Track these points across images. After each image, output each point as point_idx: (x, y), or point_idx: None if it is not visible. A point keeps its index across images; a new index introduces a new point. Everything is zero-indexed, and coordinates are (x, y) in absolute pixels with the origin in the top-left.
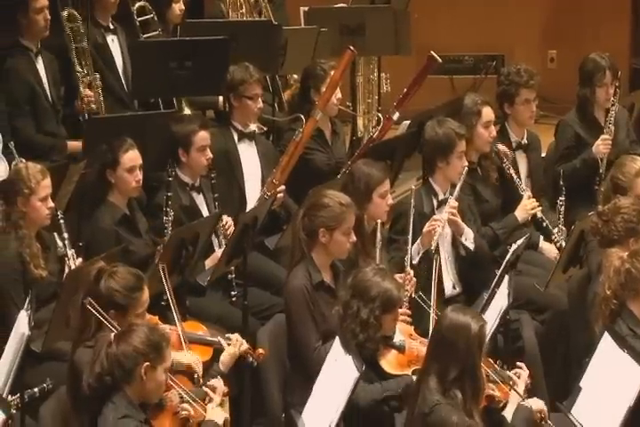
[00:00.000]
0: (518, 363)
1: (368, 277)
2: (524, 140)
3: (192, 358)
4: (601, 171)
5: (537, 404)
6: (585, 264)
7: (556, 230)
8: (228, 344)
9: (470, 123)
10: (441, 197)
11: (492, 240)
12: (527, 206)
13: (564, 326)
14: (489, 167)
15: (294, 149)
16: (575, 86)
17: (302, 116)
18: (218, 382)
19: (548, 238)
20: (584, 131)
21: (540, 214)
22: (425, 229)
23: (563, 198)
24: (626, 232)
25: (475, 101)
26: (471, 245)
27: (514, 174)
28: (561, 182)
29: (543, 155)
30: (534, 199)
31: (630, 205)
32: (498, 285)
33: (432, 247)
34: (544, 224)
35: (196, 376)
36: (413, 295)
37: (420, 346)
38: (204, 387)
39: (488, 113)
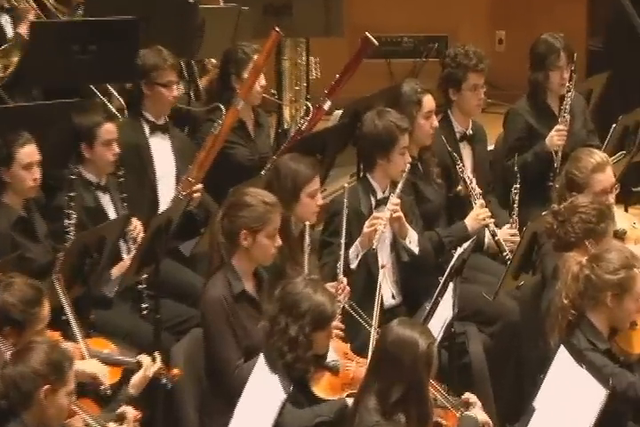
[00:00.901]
0: (467, 394)
1: (298, 289)
2: (469, 131)
3: (98, 367)
4: (555, 165)
5: (482, 415)
6: (538, 270)
7: (507, 226)
8: (140, 364)
9: (410, 113)
10: (380, 195)
11: (437, 247)
12: (479, 216)
13: (516, 339)
14: (430, 161)
15: (213, 143)
16: (526, 71)
17: (222, 106)
18: (128, 409)
19: (499, 254)
20: (536, 120)
21: (492, 227)
22: (365, 229)
23: (517, 186)
24: (584, 234)
25: (414, 89)
26: (416, 249)
27: (467, 178)
28: (515, 169)
29: (490, 147)
30: (487, 209)
31: (589, 204)
32: (441, 294)
33: (374, 246)
34: (495, 238)
35: (102, 387)
36: (347, 307)
37: (356, 367)
38: (114, 413)
39: (429, 102)
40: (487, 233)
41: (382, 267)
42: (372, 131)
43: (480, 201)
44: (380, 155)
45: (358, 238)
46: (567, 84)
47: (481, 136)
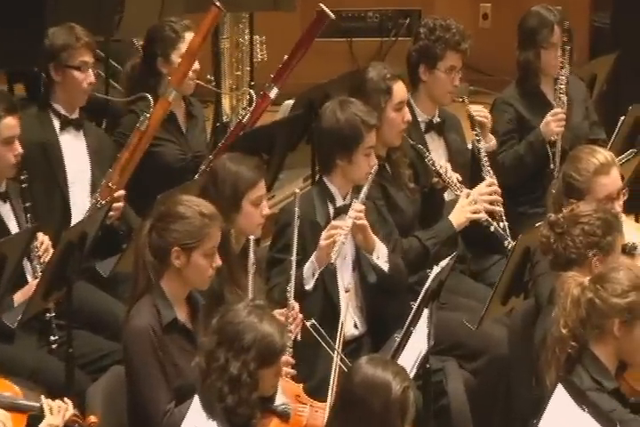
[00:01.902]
0: None
1: (240, 317)
2: (436, 118)
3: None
4: (553, 163)
5: None
6: (531, 293)
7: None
8: (49, 410)
9: (377, 104)
10: (339, 202)
11: (420, 255)
12: (466, 208)
13: (504, 376)
14: (400, 162)
15: (138, 141)
16: (516, 52)
17: (149, 96)
18: None
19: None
20: (528, 110)
21: (484, 218)
22: (322, 241)
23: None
24: (587, 249)
25: (382, 75)
26: (385, 266)
27: (439, 168)
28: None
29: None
30: (474, 197)
31: (592, 213)
32: (414, 322)
33: (332, 260)
34: (491, 229)
35: None
36: (299, 338)
37: (311, 412)
38: None
39: (400, 91)
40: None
41: (347, 291)
42: (332, 126)
43: (464, 190)
44: (341, 155)
45: (314, 253)
46: (562, 64)
47: (453, 124)
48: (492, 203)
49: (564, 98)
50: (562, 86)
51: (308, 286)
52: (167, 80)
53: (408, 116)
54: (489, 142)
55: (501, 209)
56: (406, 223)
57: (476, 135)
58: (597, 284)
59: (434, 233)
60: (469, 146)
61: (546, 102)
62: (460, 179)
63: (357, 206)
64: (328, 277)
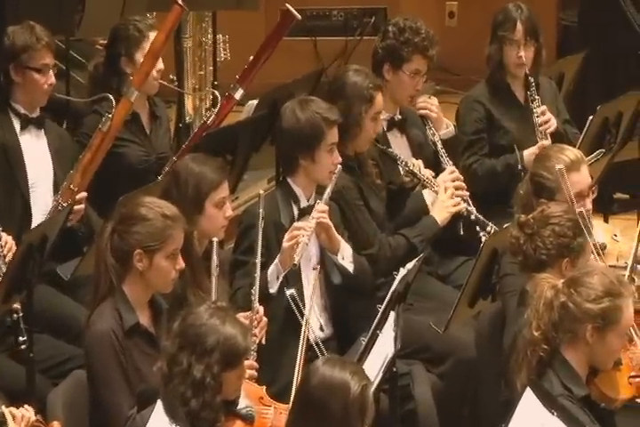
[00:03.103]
0: None
1: (202, 320)
2: (398, 116)
3: None
4: (520, 166)
5: None
6: (499, 295)
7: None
8: (12, 418)
9: (358, 111)
10: (304, 203)
11: (408, 253)
12: (446, 203)
13: (472, 380)
14: (366, 162)
15: (100, 142)
16: (484, 51)
17: (111, 97)
18: None
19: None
20: (497, 109)
21: (465, 208)
22: (285, 243)
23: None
24: (558, 251)
25: (366, 83)
26: (350, 267)
27: (410, 164)
28: (480, 173)
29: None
30: (452, 190)
31: (563, 214)
32: (380, 325)
33: (295, 261)
34: (472, 217)
35: None
36: (263, 341)
37: (275, 414)
38: None
39: (380, 102)
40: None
41: (314, 269)
42: (292, 125)
43: (442, 185)
44: (304, 154)
45: (278, 256)
46: (524, 64)
47: (414, 120)
48: (457, 188)
49: (537, 103)
50: (534, 96)
51: (273, 290)
52: (129, 80)
53: (379, 127)
54: (444, 130)
55: (467, 193)
56: (378, 223)
57: (429, 129)
58: (571, 287)
59: (419, 231)
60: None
61: (516, 102)
62: (434, 174)
63: (321, 207)
64: (293, 280)
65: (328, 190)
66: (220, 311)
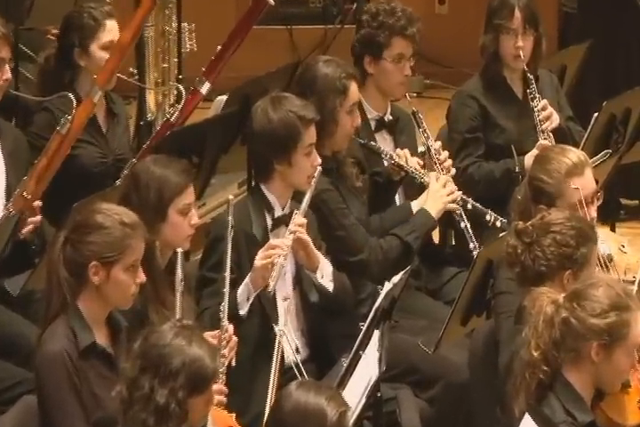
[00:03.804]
0: None
1: (166, 339)
2: (388, 116)
3: None
4: (517, 169)
5: None
6: (493, 315)
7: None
8: None
9: (332, 106)
10: (278, 212)
11: (402, 253)
12: (440, 192)
13: (464, 405)
14: (345, 162)
15: (58, 146)
16: (478, 43)
17: (71, 96)
18: None
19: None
20: (493, 105)
21: (460, 197)
22: (257, 262)
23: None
24: (559, 262)
25: (338, 73)
26: (330, 286)
27: (396, 157)
28: (477, 178)
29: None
30: (446, 178)
31: (565, 221)
32: (363, 345)
33: (270, 289)
34: (469, 206)
35: None
36: (233, 363)
37: None
38: None
39: (355, 92)
40: None
41: (285, 300)
42: (265, 126)
43: (432, 174)
44: (279, 158)
45: (249, 274)
46: (523, 55)
47: (405, 125)
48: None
49: (538, 101)
50: (532, 87)
51: (243, 311)
52: (92, 79)
53: (358, 121)
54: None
55: (460, 208)
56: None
57: (423, 132)
58: (574, 302)
59: (412, 227)
60: (421, 148)
61: (513, 98)
62: (422, 163)
63: (298, 220)
64: (265, 300)
65: (306, 199)
66: (186, 330)
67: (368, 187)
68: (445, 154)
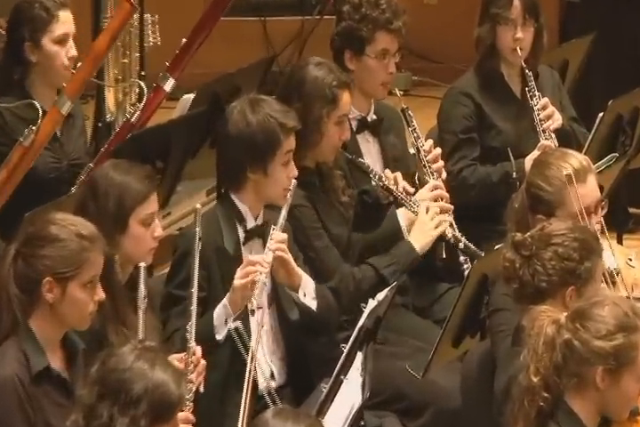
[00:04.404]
0: None
1: (127, 363)
2: (372, 116)
3: None
4: (515, 174)
5: None
6: (489, 335)
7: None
8: None
9: (319, 114)
10: (251, 223)
11: (375, 287)
12: (428, 225)
13: None
14: (332, 174)
15: (20, 158)
16: (471, 34)
17: (37, 104)
18: None
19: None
20: (488, 103)
21: (451, 234)
22: (237, 281)
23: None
24: (561, 277)
25: (329, 80)
26: (313, 304)
27: (391, 184)
28: (472, 182)
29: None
30: (435, 210)
31: (567, 233)
32: (345, 369)
33: (254, 306)
34: (460, 245)
35: None
36: (202, 389)
37: None
38: None
39: (347, 102)
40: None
41: (259, 308)
42: (242, 129)
43: (423, 204)
44: (254, 166)
45: (227, 295)
46: (522, 49)
47: (393, 124)
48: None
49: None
50: (531, 84)
51: (220, 336)
52: (62, 89)
53: (347, 134)
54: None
55: (450, 219)
56: (340, 249)
57: (412, 131)
58: (577, 322)
59: (391, 259)
60: (412, 150)
61: (511, 96)
62: (412, 190)
63: (278, 236)
64: (247, 325)
65: (283, 213)
66: (149, 353)
67: (355, 203)
68: (436, 153)
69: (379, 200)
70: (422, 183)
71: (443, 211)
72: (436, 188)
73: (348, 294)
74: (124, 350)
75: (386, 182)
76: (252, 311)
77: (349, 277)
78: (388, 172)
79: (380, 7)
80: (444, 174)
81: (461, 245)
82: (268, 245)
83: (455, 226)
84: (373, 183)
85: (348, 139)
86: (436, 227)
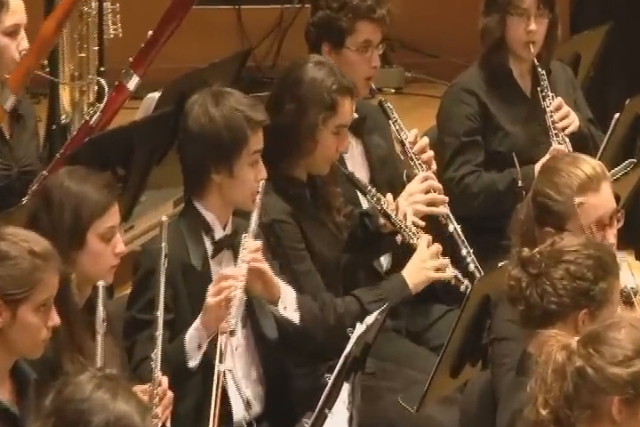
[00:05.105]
0: None
1: (84, 393)
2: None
3: None
4: (520, 182)
5: None
6: (490, 365)
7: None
8: None
9: (314, 120)
10: (219, 233)
11: (360, 321)
12: (427, 263)
13: None
14: (329, 192)
15: None
16: (473, 25)
17: None
18: None
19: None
20: (494, 103)
21: (453, 274)
22: (210, 300)
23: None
24: (573, 298)
25: (329, 84)
26: (295, 316)
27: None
28: (475, 190)
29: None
30: (438, 247)
31: (580, 249)
32: (330, 402)
33: (232, 325)
34: (462, 288)
35: None
36: (168, 424)
37: None
38: None
39: (347, 111)
40: None
41: (232, 335)
42: (204, 125)
43: (424, 237)
44: (218, 166)
45: (199, 317)
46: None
47: (378, 124)
48: (431, 203)
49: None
50: (546, 89)
51: (193, 363)
52: (3, 80)
53: (345, 145)
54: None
55: (446, 211)
56: (327, 273)
57: (394, 124)
58: (590, 347)
59: (380, 293)
60: (398, 147)
61: (520, 95)
62: (421, 223)
63: (251, 245)
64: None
65: (254, 217)
66: (109, 382)
67: (354, 225)
68: (422, 143)
69: (379, 229)
70: (412, 179)
71: (437, 203)
72: (426, 179)
73: (326, 327)
74: (82, 378)
75: (384, 206)
76: (232, 332)
77: (330, 309)
78: (389, 196)
79: None
80: (435, 166)
81: (462, 288)
82: (240, 256)
83: (453, 218)
84: (365, 206)
85: (346, 152)
86: (437, 270)
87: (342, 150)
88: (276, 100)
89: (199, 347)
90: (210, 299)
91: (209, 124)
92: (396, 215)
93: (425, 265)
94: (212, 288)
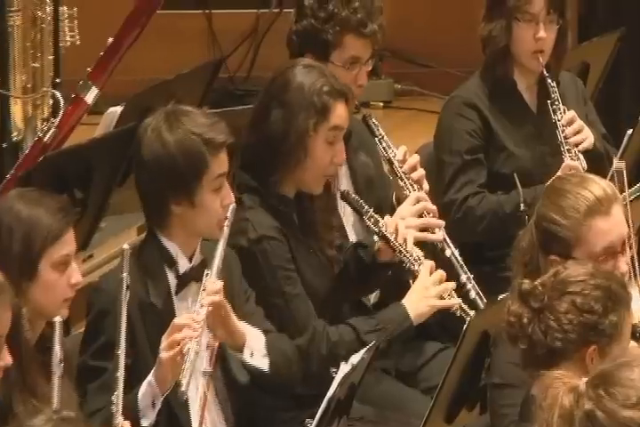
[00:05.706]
0: None
1: None
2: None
3: None
4: (523, 206)
5: None
6: (490, 411)
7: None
8: None
9: (304, 127)
10: (184, 266)
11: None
12: (430, 291)
13: None
14: (318, 217)
15: None
16: (472, 32)
17: None
18: None
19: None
20: (497, 119)
21: (456, 303)
22: (163, 355)
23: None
24: (581, 334)
25: (319, 86)
26: (264, 363)
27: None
28: (479, 213)
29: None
30: (442, 274)
31: (587, 279)
32: None
33: (183, 388)
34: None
35: None
36: None
37: None
38: None
39: (341, 117)
40: None
41: (207, 374)
42: (157, 152)
43: (427, 262)
44: (177, 197)
45: (152, 371)
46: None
47: (363, 141)
48: (425, 229)
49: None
50: (555, 96)
51: (147, 422)
52: None
53: (342, 157)
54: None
55: (441, 236)
56: (315, 303)
57: (379, 141)
58: (600, 388)
59: (378, 324)
60: (386, 166)
61: (525, 110)
62: (421, 254)
63: (211, 286)
64: (177, 404)
65: (220, 250)
66: (67, 425)
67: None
68: (412, 161)
69: (375, 260)
70: (402, 201)
71: (431, 227)
72: (418, 200)
73: (318, 357)
74: (37, 421)
75: (383, 228)
76: (183, 393)
77: (322, 338)
78: (388, 218)
79: (352, 4)
80: (427, 186)
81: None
82: (199, 299)
83: (450, 242)
84: (351, 237)
85: (341, 165)
86: (440, 297)
87: (338, 162)
88: (262, 109)
89: (153, 405)
90: (163, 353)
91: (163, 151)
92: (396, 239)
93: (428, 293)
94: (164, 341)
